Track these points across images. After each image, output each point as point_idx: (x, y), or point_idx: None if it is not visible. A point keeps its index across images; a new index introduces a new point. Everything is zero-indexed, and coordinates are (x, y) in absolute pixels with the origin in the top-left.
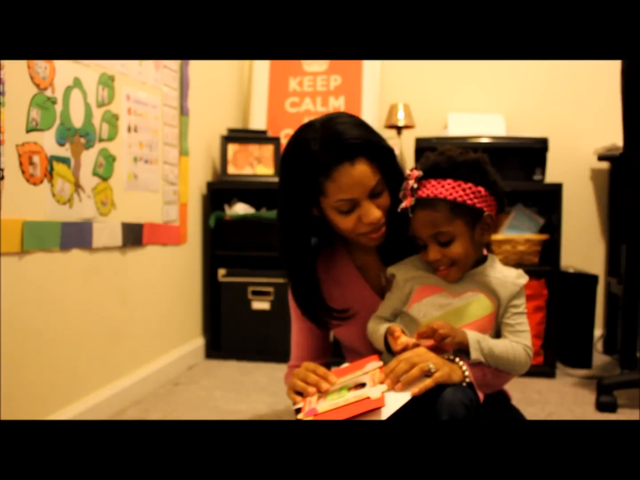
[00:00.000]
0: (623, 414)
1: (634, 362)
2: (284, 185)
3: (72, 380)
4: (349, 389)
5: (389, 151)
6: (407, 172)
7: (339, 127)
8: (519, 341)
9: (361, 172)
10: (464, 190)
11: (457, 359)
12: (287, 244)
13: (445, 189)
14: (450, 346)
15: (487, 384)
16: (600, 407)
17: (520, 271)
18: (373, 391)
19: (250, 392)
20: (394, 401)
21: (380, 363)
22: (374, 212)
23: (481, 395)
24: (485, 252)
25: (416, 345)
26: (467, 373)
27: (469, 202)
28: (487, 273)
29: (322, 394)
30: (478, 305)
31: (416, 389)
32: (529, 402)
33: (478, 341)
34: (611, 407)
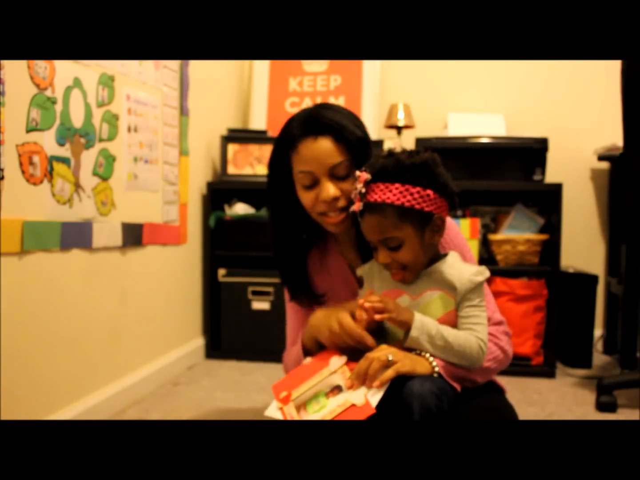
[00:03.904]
0: (623, 414)
1: (634, 362)
2: (268, 164)
3: (72, 380)
4: (326, 394)
5: (363, 141)
6: (357, 173)
7: (321, 110)
8: (471, 334)
9: (322, 147)
10: (411, 194)
11: (423, 353)
12: (274, 227)
13: (392, 193)
14: (395, 323)
15: (461, 376)
16: (600, 407)
17: (481, 268)
18: (354, 396)
19: (250, 392)
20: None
21: (344, 358)
22: (328, 190)
23: (457, 386)
24: (459, 240)
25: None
26: (434, 363)
27: (417, 206)
28: (443, 270)
29: (298, 402)
30: (438, 304)
31: (377, 382)
32: (529, 402)
33: (423, 323)
34: (611, 407)
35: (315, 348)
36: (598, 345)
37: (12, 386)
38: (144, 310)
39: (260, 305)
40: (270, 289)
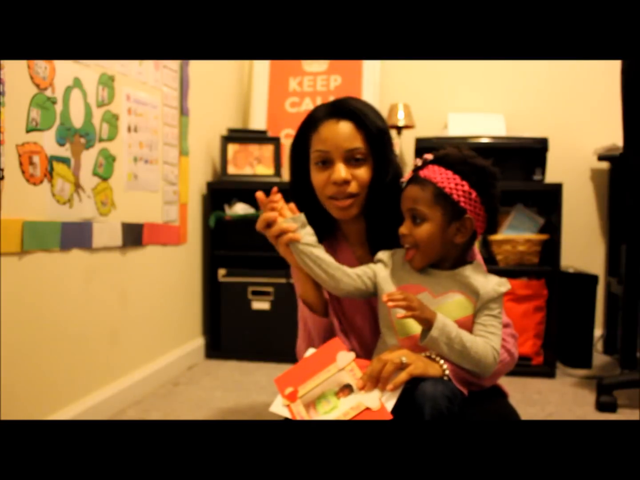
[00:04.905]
0: (623, 414)
1: (634, 362)
2: (290, 146)
3: (72, 380)
4: (336, 393)
5: (383, 133)
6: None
7: (346, 98)
8: (487, 342)
9: (342, 129)
10: (456, 184)
11: (434, 355)
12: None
13: (441, 176)
14: (418, 320)
15: (469, 381)
16: (600, 407)
17: (503, 280)
18: (368, 399)
19: (250, 392)
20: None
21: (352, 354)
22: (340, 171)
23: (464, 390)
24: (479, 258)
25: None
26: (445, 367)
27: (455, 197)
28: (469, 275)
29: (306, 400)
30: (458, 306)
31: (391, 385)
32: (529, 402)
33: (445, 324)
34: (611, 407)
35: (314, 298)
36: (598, 345)
37: (12, 386)
38: (144, 310)
39: (260, 305)
40: (270, 289)
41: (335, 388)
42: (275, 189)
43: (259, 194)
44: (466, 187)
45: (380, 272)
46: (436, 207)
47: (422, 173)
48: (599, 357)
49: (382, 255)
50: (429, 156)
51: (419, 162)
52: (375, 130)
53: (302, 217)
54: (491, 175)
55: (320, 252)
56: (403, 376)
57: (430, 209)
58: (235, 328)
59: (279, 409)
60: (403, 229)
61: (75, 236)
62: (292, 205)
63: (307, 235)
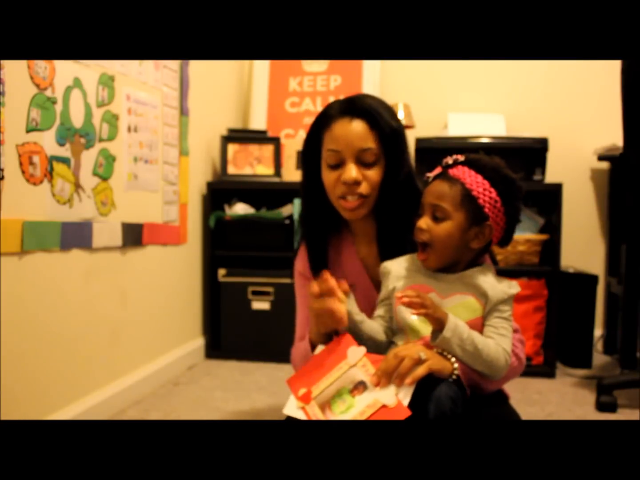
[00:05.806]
0: (623, 414)
1: (634, 362)
2: (303, 142)
3: (72, 380)
4: (350, 391)
5: (396, 133)
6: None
7: (361, 96)
8: (498, 344)
9: (355, 129)
10: (484, 189)
11: (445, 353)
12: (305, 206)
13: (471, 178)
14: (430, 320)
15: (476, 382)
16: (600, 407)
17: (513, 282)
18: (384, 396)
19: (250, 392)
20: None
21: (363, 349)
22: (351, 171)
23: (468, 391)
24: (488, 261)
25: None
26: (455, 365)
27: (481, 201)
28: (478, 277)
29: (321, 400)
30: (467, 308)
31: (409, 379)
32: (529, 402)
33: (456, 325)
34: (611, 407)
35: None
36: (598, 345)
37: (12, 386)
38: (144, 310)
39: (260, 305)
40: (270, 289)
41: (349, 386)
42: (326, 271)
43: (326, 275)
44: (494, 195)
45: (389, 284)
46: (461, 208)
47: (452, 172)
48: (599, 357)
49: (387, 264)
50: (460, 157)
51: (450, 160)
52: (388, 131)
53: (352, 297)
54: (519, 189)
55: (365, 327)
56: (422, 370)
57: (455, 209)
58: (235, 328)
59: (294, 411)
60: (422, 223)
61: (75, 236)
62: (344, 283)
63: (353, 306)
